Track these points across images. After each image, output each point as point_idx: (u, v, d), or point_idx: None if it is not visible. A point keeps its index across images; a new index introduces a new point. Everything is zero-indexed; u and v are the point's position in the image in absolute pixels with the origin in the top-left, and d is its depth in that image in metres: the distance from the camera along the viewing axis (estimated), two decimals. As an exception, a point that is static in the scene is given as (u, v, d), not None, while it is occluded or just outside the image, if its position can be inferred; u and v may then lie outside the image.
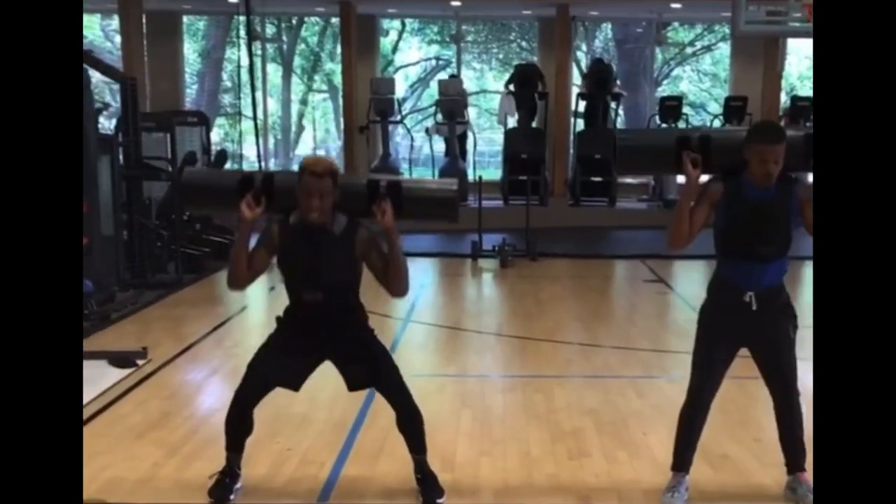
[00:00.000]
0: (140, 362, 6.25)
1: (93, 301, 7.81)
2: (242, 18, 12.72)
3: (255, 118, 12.30)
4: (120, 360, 6.18)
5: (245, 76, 15.85)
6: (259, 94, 12.51)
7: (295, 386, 4.01)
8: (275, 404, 5.03)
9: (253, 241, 3.91)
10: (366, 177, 4.22)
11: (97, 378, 5.84)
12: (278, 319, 4.00)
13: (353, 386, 4.03)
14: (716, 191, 3.73)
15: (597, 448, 4.81)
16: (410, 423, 4.05)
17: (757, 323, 3.77)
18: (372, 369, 3.98)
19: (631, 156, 4.13)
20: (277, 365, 3.93)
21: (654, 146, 4.16)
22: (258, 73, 12.77)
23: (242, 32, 14.87)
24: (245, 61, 13.12)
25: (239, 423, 4.01)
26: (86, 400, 5.39)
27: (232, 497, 4.05)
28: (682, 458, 4.06)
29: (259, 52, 13.08)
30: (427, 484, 4.08)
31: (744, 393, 5.35)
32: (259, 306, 9.12)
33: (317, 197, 3.69)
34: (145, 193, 9.88)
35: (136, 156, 9.31)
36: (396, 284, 3.87)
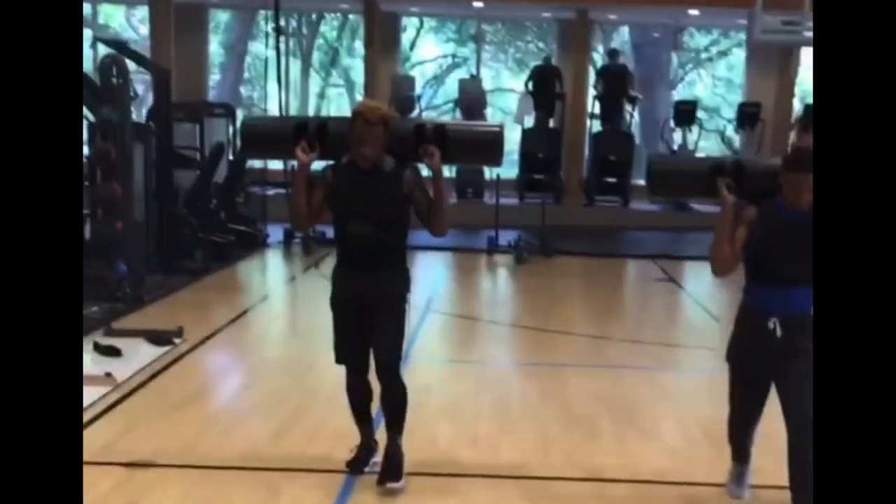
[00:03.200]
0: (176, 341, 6.58)
1: (125, 283, 8.15)
2: (266, 13, 13.01)
3: (280, 111, 12.60)
4: (158, 338, 6.51)
5: (265, 69, 16.32)
6: (280, 86, 12.73)
7: (364, 356, 4.14)
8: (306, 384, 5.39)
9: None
10: (412, 121, 4.41)
11: (137, 354, 6.18)
12: (332, 278, 4.15)
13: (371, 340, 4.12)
14: (750, 212, 3.76)
15: (608, 431, 5.14)
16: (393, 399, 4.16)
17: (781, 352, 3.66)
18: (381, 336, 4.06)
19: (664, 179, 4.30)
20: (349, 333, 4.09)
21: (687, 171, 4.31)
22: (280, 67, 13.01)
23: (268, 27, 15.26)
24: (270, 55, 13.46)
25: (352, 393, 4.24)
26: (128, 374, 5.74)
27: (366, 469, 4.29)
28: (740, 450, 4.10)
29: (278, 45, 13.35)
30: (390, 464, 4.17)
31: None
32: (279, 296, 9.48)
33: (368, 144, 3.88)
34: (174, 182, 10.19)
35: (168, 145, 9.64)
36: (439, 223, 4.02)
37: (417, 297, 8.39)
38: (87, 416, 4.94)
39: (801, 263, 3.42)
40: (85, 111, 7.86)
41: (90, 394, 5.23)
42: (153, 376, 5.84)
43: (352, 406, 4.29)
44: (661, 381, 6.28)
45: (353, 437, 4.43)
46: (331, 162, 4.12)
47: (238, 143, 11.96)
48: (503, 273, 10.98)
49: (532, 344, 7.49)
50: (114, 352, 6.14)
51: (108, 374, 5.56)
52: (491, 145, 4.30)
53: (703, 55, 22.27)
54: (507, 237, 11.73)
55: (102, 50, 11.49)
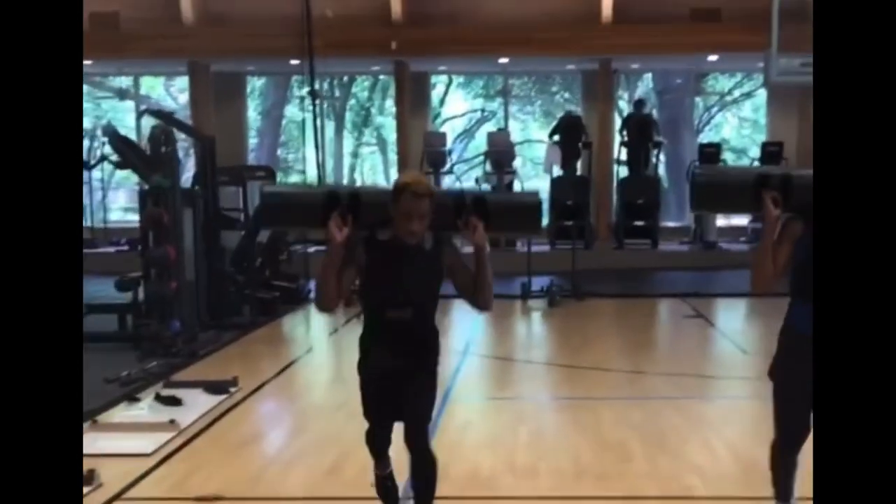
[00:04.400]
0: (232, 390, 7.02)
1: (180, 339, 8.64)
2: (301, 77, 13.62)
3: (318, 173, 13.16)
4: (214, 388, 6.96)
5: (299, 132, 16.96)
6: (317, 149, 13.35)
7: (397, 416, 3.90)
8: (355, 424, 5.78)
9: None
10: (451, 190, 4.35)
11: (196, 403, 6.61)
12: (362, 348, 3.90)
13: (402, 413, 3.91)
14: (797, 227, 3.62)
15: (640, 455, 5.49)
16: (424, 471, 3.89)
17: None
18: (412, 406, 3.86)
19: (707, 192, 4.01)
20: (380, 401, 3.87)
21: (731, 183, 4.02)
22: (317, 130, 13.66)
23: (302, 91, 15.92)
24: (305, 118, 14.08)
25: (376, 438, 3.99)
26: (190, 420, 6.18)
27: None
28: (785, 485, 3.90)
29: (314, 109, 14.02)
30: None
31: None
32: (322, 348, 9.93)
33: (417, 219, 3.62)
34: (221, 243, 10.71)
35: (214, 208, 10.19)
36: (484, 299, 3.79)
37: (455, 342, 8.86)
38: (154, 460, 5.40)
39: None
40: (137, 179, 8.40)
41: (156, 439, 5.70)
42: (213, 422, 6.27)
43: (375, 447, 4.02)
44: (691, 408, 6.62)
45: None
46: (361, 234, 3.78)
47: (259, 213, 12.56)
48: (537, 317, 11.35)
49: (566, 380, 7.86)
50: (175, 401, 6.59)
51: (172, 421, 6.01)
52: (531, 214, 4.17)
53: (728, 97, 22.71)
54: (539, 283, 12.11)
55: (145, 120, 12.26)
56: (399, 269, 3.71)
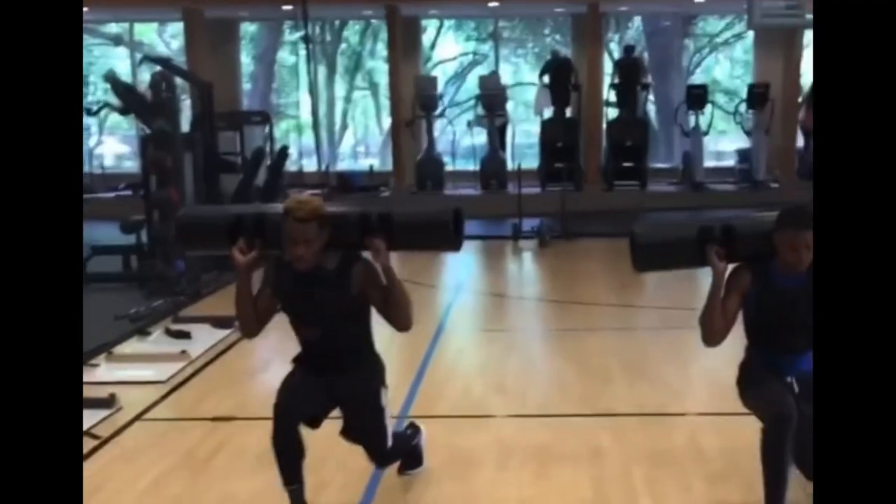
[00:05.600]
0: (237, 324, 7.38)
1: (184, 279, 9.00)
2: (292, 23, 13.78)
3: (314, 118, 13.44)
4: (221, 322, 7.33)
5: (290, 77, 17.15)
6: (312, 94, 13.63)
7: (311, 423, 3.75)
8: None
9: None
10: (355, 207, 3.81)
11: (204, 336, 6.99)
12: (294, 362, 3.85)
13: (345, 434, 3.83)
14: (744, 279, 3.55)
15: (620, 378, 5.89)
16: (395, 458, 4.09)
17: (798, 407, 3.43)
18: (361, 428, 3.80)
19: (649, 254, 3.82)
20: (296, 402, 3.70)
21: (672, 241, 3.81)
22: (311, 75, 13.91)
23: (294, 36, 16.12)
24: (298, 63, 14.26)
25: (283, 443, 3.64)
26: (200, 351, 6.56)
27: None
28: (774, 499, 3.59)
29: (308, 54, 14.24)
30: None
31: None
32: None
33: (301, 244, 3.43)
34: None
35: (213, 152, 10.48)
36: (398, 318, 3.62)
37: (448, 280, 9.23)
38: (168, 386, 5.80)
39: (802, 332, 3.26)
40: (127, 125, 8.64)
41: (169, 368, 6.09)
42: (220, 354, 6.65)
43: (281, 458, 3.65)
44: (672, 338, 6.99)
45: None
46: (274, 253, 3.66)
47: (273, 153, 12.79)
48: (528, 256, 11.72)
49: (555, 314, 8.25)
50: (184, 335, 6.96)
51: (184, 352, 6.40)
52: (444, 230, 3.71)
53: (717, 39, 22.88)
54: (530, 224, 12.44)
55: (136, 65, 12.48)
56: (299, 292, 3.58)
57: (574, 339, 6.98)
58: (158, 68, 9.74)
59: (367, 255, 3.62)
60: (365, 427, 3.77)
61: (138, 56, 17.87)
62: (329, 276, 3.55)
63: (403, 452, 4.13)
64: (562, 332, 7.35)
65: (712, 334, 3.58)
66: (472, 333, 7.53)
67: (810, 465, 3.22)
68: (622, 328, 7.42)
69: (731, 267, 3.61)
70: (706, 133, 16.18)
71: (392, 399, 4.77)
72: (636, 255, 3.80)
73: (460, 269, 10.30)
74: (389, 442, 3.81)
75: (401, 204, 4.05)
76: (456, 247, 3.81)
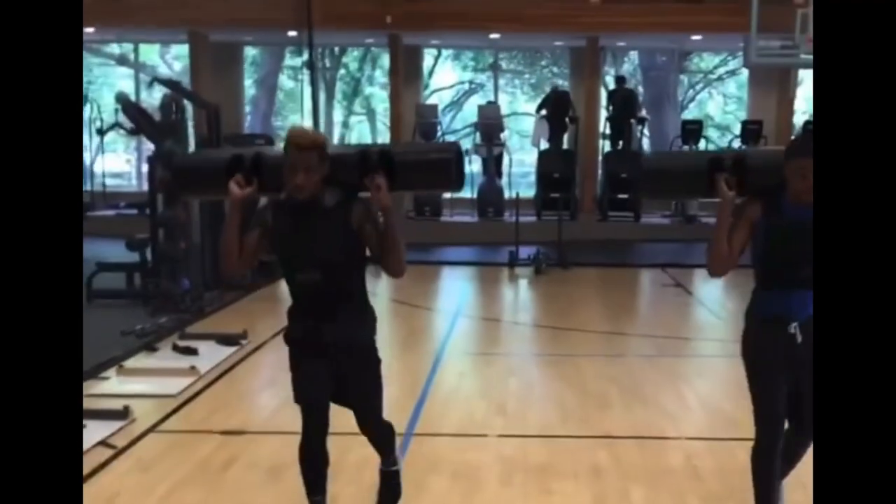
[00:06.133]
0: (243, 342, 7.57)
1: (188, 297, 9.18)
2: (293, 48, 13.93)
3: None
4: (226, 339, 7.51)
5: (289, 100, 17.31)
6: (314, 119, 13.84)
7: (327, 402, 3.67)
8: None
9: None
10: (355, 148, 3.79)
11: (211, 353, 7.16)
12: (288, 316, 3.71)
13: (339, 400, 3.72)
14: (754, 210, 3.50)
15: (618, 403, 6.08)
16: (381, 437, 3.93)
17: (801, 358, 3.42)
18: (360, 394, 3.73)
19: (658, 179, 3.83)
20: (312, 387, 3.65)
21: (683, 169, 3.82)
22: (314, 100, 14.13)
23: (295, 61, 16.33)
24: (295, 87, 14.44)
25: (308, 453, 3.68)
26: (207, 368, 6.72)
27: None
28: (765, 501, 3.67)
29: (313, 80, 14.47)
30: (388, 488, 4.00)
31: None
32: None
33: (302, 172, 3.40)
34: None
35: (218, 174, 10.65)
36: (392, 263, 3.55)
37: (446, 305, 9.42)
38: (179, 400, 5.96)
39: (812, 264, 3.00)
40: (124, 145, 8.76)
41: (179, 383, 6.26)
42: (228, 370, 6.82)
43: (305, 471, 3.69)
44: (666, 365, 7.21)
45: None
46: (271, 197, 3.67)
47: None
48: (524, 283, 11.90)
49: (551, 339, 8.44)
50: (191, 351, 7.13)
51: (193, 367, 6.56)
52: (444, 169, 3.73)
53: (712, 75, 23.26)
54: (526, 252, 12.64)
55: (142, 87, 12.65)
56: (302, 229, 3.50)
57: (571, 364, 7.16)
58: (166, 90, 9.95)
59: (364, 195, 3.57)
60: (360, 385, 3.69)
61: (143, 76, 18.13)
62: (329, 212, 3.49)
63: (393, 446, 4.01)
64: (559, 358, 7.53)
65: (718, 263, 3.55)
66: (471, 357, 7.70)
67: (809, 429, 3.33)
68: (618, 354, 7.60)
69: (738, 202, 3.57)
70: (700, 167, 16.43)
71: (397, 417, 4.97)
72: (645, 180, 3.81)
73: (458, 294, 10.50)
74: (382, 408, 3.78)
75: (401, 145, 3.74)
76: (457, 186, 3.82)
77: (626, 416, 5.81)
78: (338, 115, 24.22)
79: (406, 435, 5.30)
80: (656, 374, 6.92)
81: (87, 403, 5.51)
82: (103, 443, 5.00)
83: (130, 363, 6.83)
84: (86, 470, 4.60)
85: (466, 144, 17.33)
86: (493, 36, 16.99)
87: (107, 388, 6.14)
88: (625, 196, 16.13)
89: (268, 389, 6.37)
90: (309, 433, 3.63)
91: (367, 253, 3.62)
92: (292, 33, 15.62)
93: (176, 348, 7.24)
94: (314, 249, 3.48)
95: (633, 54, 21.12)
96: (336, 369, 3.61)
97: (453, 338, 8.14)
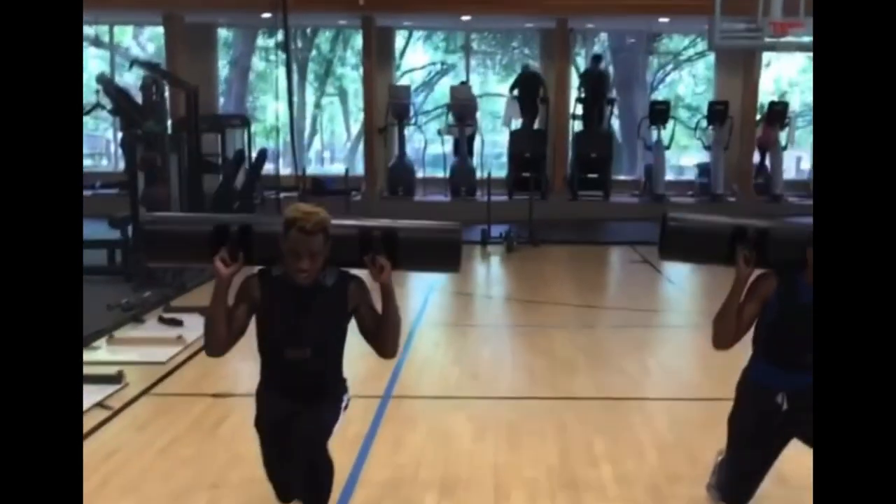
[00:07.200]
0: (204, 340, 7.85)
1: (170, 273, 9.46)
2: (264, 30, 14.13)
3: (291, 123, 13.91)
4: (210, 312, 7.80)
5: (261, 82, 17.49)
6: (290, 100, 14.13)
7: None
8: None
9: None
10: (356, 223, 3.65)
11: (196, 324, 7.34)
12: (258, 401, 3.59)
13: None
14: (769, 286, 3.46)
15: (584, 368, 6.46)
16: (319, 476, 3.52)
17: (788, 420, 3.49)
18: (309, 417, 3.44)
19: (678, 241, 3.70)
20: (289, 473, 3.54)
21: (705, 234, 3.70)
22: (277, 81, 14.41)
23: (267, 42, 16.54)
24: (269, 69, 14.66)
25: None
26: (193, 337, 7.00)
27: None
28: None
29: (288, 61, 14.75)
30: None
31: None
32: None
33: (307, 258, 3.24)
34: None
35: (198, 153, 10.93)
36: (388, 345, 3.50)
37: (421, 282, 9.75)
38: (170, 366, 6.28)
39: None
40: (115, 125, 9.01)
41: (167, 351, 6.57)
42: (213, 340, 7.12)
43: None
44: (632, 334, 7.60)
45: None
46: (256, 269, 3.46)
47: (255, 167, 13.22)
48: (496, 260, 12.26)
49: (523, 312, 8.82)
50: (177, 323, 7.43)
51: (180, 337, 6.87)
52: (449, 249, 3.65)
53: (681, 57, 23.64)
54: (498, 230, 12.99)
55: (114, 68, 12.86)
56: (296, 308, 3.36)
57: (542, 335, 7.53)
58: (142, 72, 10.20)
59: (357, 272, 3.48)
60: (313, 417, 3.44)
61: (118, 58, 18.30)
62: (327, 294, 3.38)
63: (330, 487, 3.59)
64: (530, 329, 7.90)
65: (724, 336, 3.50)
66: (446, 328, 8.06)
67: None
68: (585, 326, 7.98)
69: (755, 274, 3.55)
70: (668, 147, 16.87)
71: (375, 383, 5.34)
72: (666, 241, 3.70)
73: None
74: (327, 438, 3.51)
75: (401, 223, 3.60)
76: (458, 268, 3.70)
77: (591, 380, 6.18)
78: (310, 96, 24.41)
79: (384, 397, 5.64)
80: (622, 343, 7.31)
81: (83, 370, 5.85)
82: (100, 404, 5.30)
83: (119, 333, 7.12)
84: (85, 429, 4.91)
85: (438, 125, 17.66)
86: (466, 17, 17.28)
87: (99, 356, 6.43)
88: (594, 175, 16.53)
89: (253, 358, 6.64)
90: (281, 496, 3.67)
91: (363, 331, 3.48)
92: (266, 15, 15.85)
93: (162, 320, 7.55)
94: (308, 327, 3.36)
95: (603, 36, 21.45)
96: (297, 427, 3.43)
97: (428, 311, 8.47)
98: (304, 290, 3.33)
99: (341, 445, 4.72)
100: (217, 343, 3.40)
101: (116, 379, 5.70)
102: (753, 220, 3.65)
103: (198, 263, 3.63)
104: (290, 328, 3.36)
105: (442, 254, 3.65)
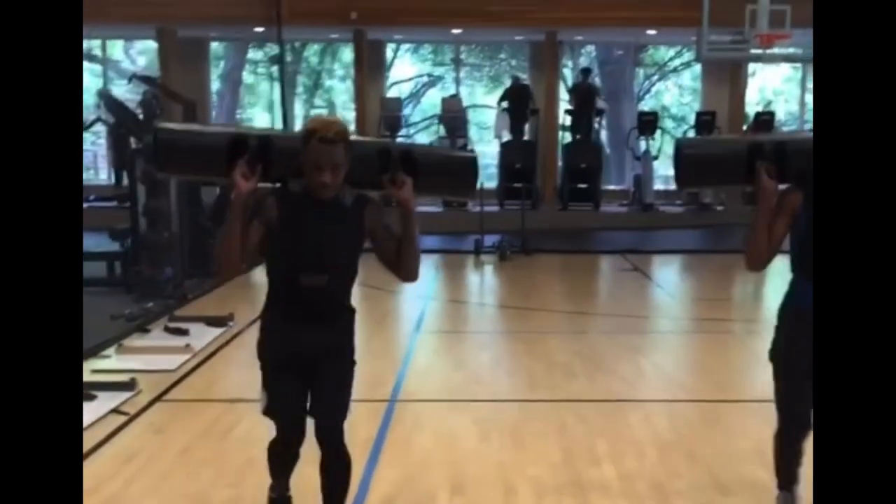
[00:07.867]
0: (230, 324, 8.04)
1: (171, 284, 9.62)
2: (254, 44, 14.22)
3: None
4: (215, 321, 7.97)
5: (251, 94, 17.63)
6: (284, 112, 14.33)
7: (305, 414, 3.45)
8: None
9: None
10: (373, 141, 3.35)
11: (202, 333, 7.63)
12: (265, 325, 3.45)
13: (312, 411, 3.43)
14: (795, 200, 3.35)
15: (581, 372, 6.66)
16: (339, 474, 3.49)
17: None
18: (330, 398, 3.40)
19: (696, 167, 3.62)
20: (295, 405, 3.42)
21: (722, 156, 3.64)
22: (271, 93, 14.60)
23: (257, 56, 16.67)
24: (258, 82, 14.80)
25: (278, 458, 3.66)
26: (200, 346, 7.19)
27: None
28: (789, 471, 3.67)
29: (281, 74, 14.95)
30: None
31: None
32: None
33: (328, 169, 3.12)
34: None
35: (196, 166, 11.08)
36: (408, 266, 3.35)
37: (417, 291, 9.95)
38: (180, 374, 6.45)
39: None
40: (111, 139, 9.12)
41: (176, 360, 6.73)
42: (221, 347, 7.30)
43: (276, 464, 3.67)
44: (625, 340, 7.79)
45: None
46: (272, 186, 3.30)
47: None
48: (489, 269, 12.44)
49: (517, 318, 9.01)
50: (182, 332, 7.60)
51: (188, 345, 7.04)
52: (465, 171, 3.68)
53: (667, 68, 23.93)
54: (490, 240, 13.19)
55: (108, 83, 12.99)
56: (314, 228, 3.22)
57: (537, 341, 7.73)
58: (136, 86, 10.37)
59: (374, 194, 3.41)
60: (331, 390, 3.39)
61: (110, 72, 18.45)
62: (346, 213, 3.26)
63: (347, 488, 3.59)
64: (526, 335, 8.10)
65: (757, 256, 3.40)
66: (445, 335, 8.25)
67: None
68: (580, 331, 8.19)
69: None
70: (656, 157, 17.11)
71: (380, 387, 5.53)
72: (682, 168, 3.59)
73: (427, 279, 11.00)
74: (345, 421, 3.43)
75: (418, 144, 3.52)
76: (474, 192, 3.79)
77: (589, 382, 6.39)
78: (299, 109, 24.60)
79: (390, 401, 5.83)
80: (616, 347, 7.51)
81: (95, 378, 6.04)
82: (116, 410, 5.47)
83: (128, 343, 7.29)
84: (103, 434, 5.09)
85: (427, 136, 17.86)
86: (456, 31, 17.51)
87: (109, 364, 6.59)
88: (584, 186, 16.76)
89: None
90: (289, 442, 3.52)
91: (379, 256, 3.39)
92: (259, 29, 16.05)
93: (168, 329, 7.71)
94: (328, 252, 3.23)
95: (591, 48, 21.72)
96: (315, 376, 3.36)
97: (426, 319, 8.66)
98: (324, 209, 3.21)
99: (353, 448, 4.91)
100: (231, 261, 3.19)
101: (130, 386, 5.87)
102: (768, 135, 3.51)
103: (212, 176, 3.56)
104: (306, 251, 3.22)
105: (459, 174, 3.68)
